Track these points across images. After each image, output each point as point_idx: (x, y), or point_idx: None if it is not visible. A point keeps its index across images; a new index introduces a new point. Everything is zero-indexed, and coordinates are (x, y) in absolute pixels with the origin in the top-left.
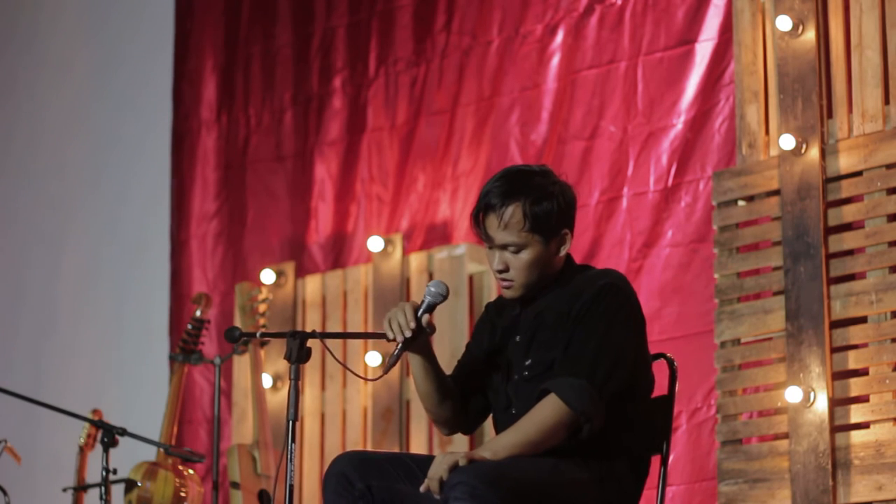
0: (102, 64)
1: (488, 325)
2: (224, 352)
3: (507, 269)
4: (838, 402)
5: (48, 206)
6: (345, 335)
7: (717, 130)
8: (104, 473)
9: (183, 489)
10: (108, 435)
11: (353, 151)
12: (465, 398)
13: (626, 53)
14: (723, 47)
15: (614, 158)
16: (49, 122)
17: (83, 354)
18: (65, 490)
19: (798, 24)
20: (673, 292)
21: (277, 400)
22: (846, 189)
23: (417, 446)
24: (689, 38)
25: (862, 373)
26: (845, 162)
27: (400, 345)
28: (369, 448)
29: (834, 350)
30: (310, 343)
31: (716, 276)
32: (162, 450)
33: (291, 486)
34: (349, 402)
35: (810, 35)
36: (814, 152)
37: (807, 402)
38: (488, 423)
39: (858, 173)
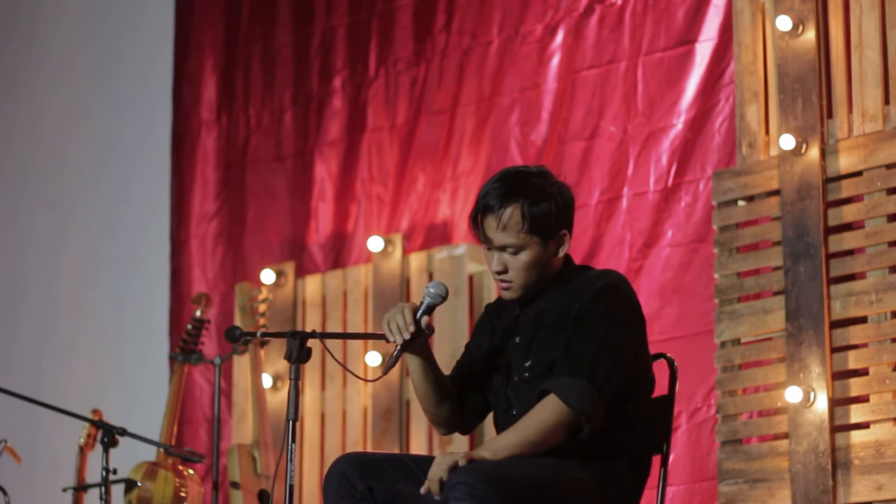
0: (102, 64)
1: (488, 327)
2: (224, 352)
3: (505, 271)
4: (838, 402)
5: (48, 207)
6: (345, 335)
7: (717, 130)
8: (104, 473)
9: (183, 489)
10: (108, 435)
11: (353, 151)
12: (463, 399)
13: (627, 53)
14: (723, 47)
15: (614, 158)
16: (49, 122)
17: (83, 354)
18: (65, 490)
19: (798, 24)
20: (673, 292)
21: (277, 400)
22: (846, 189)
23: (417, 446)
24: (689, 38)
25: (862, 373)
26: (845, 162)
27: (399, 346)
28: (369, 448)
29: (834, 350)
30: (310, 343)
31: (716, 276)
32: (162, 450)
33: (291, 486)
34: (349, 402)
35: (810, 35)
36: (814, 152)
37: (807, 402)
38: (488, 423)
39: (858, 173)
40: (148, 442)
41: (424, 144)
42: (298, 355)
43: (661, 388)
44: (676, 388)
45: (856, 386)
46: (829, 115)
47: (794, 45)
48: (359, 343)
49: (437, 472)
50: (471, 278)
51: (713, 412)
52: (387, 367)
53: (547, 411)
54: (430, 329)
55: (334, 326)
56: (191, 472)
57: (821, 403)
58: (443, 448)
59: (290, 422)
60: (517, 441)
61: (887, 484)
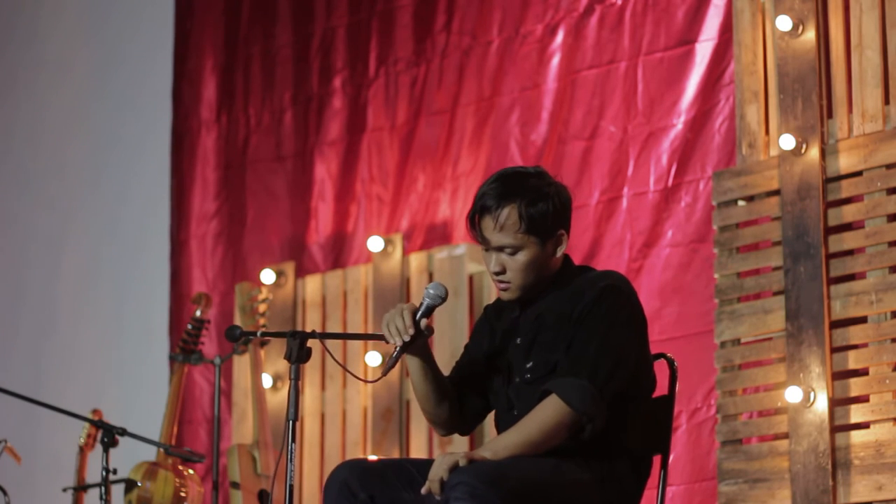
0: (102, 64)
1: (487, 328)
2: (224, 352)
3: (503, 271)
4: (838, 402)
5: (48, 207)
6: (345, 336)
7: (717, 130)
8: (104, 473)
9: (183, 489)
10: (108, 435)
11: (353, 151)
12: (462, 400)
13: (627, 53)
14: (723, 47)
15: (614, 158)
16: (49, 122)
17: (83, 354)
18: (65, 490)
19: (798, 24)
20: (673, 292)
21: (277, 400)
22: (846, 189)
23: (417, 446)
24: (689, 38)
25: (862, 373)
26: (845, 162)
27: (398, 347)
28: (369, 448)
29: (834, 350)
30: (310, 343)
31: (716, 276)
32: (162, 450)
33: (291, 486)
34: (349, 402)
35: (810, 35)
36: (814, 152)
37: (807, 402)
38: (488, 423)
39: (858, 173)
40: (148, 442)
41: (424, 144)
42: (298, 355)
43: (661, 388)
44: (676, 388)
45: (856, 386)
46: (829, 115)
47: (794, 45)
48: (359, 343)
49: (438, 472)
50: (471, 278)
51: (713, 412)
52: (386, 367)
53: (548, 411)
54: (430, 330)
55: (334, 326)
56: (191, 472)
57: (821, 403)
58: (443, 448)
59: (290, 422)
60: (518, 441)
61: (887, 484)
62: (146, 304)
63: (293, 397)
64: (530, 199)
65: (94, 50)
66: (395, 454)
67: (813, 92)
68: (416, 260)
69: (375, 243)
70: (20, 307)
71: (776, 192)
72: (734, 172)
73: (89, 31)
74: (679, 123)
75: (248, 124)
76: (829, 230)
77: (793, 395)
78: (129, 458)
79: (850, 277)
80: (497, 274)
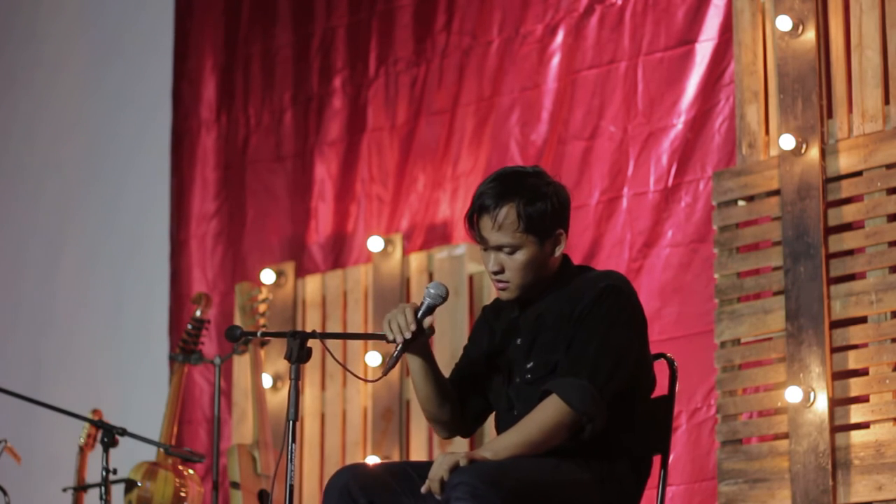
0: (101, 63)
1: (486, 328)
2: (224, 352)
3: (502, 271)
4: (838, 402)
5: (47, 207)
6: (345, 336)
7: (717, 130)
8: (104, 473)
9: (183, 489)
10: (108, 435)
11: (353, 151)
12: (463, 401)
13: (627, 53)
14: (723, 47)
15: (614, 158)
16: (47, 122)
17: (83, 354)
18: (65, 490)
19: (798, 24)
20: (673, 292)
21: (277, 400)
22: (846, 189)
23: (417, 446)
24: (689, 38)
25: (862, 373)
26: (845, 162)
27: (399, 346)
28: (369, 448)
29: (834, 350)
30: (310, 343)
31: (716, 276)
32: (162, 450)
33: (291, 486)
34: (349, 402)
35: (810, 35)
36: (814, 152)
37: (807, 402)
38: (488, 423)
39: (858, 173)
40: (148, 442)
41: (424, 144)
42: (299, 355)
43: (661, 388)
44: (676, 388)
45: (856, 386)
46: (829, 115)
47: (794, 45)
48: (359, 343)
49: (438, 471)
50: (471, 278)
51: (713, 412)
52: (387, 367)
53: (549, 411)
54: (432, 329)
55: (334, 326)
56: (191, 472)
57: (821, 403)
58: (443, 448)
59: (291, 422)
60: (518, 441)
61: (887, 484)
62: (146, 304)
63: (293, 397)
64: (529, 198)
65: (93, 49)
66: (395, 454)
67: (813, 92)
68: (416, 260)
69: (375, 243)
70: (20, 307)
71: (776, 192)
72: (734, 172)
73: (88, 30)
74: (679, 123)
75: (248, 124)
76: (829, 230)
77: (793, 395)
78: (129, 458)
79: (850, 277)
80: (495, 273)
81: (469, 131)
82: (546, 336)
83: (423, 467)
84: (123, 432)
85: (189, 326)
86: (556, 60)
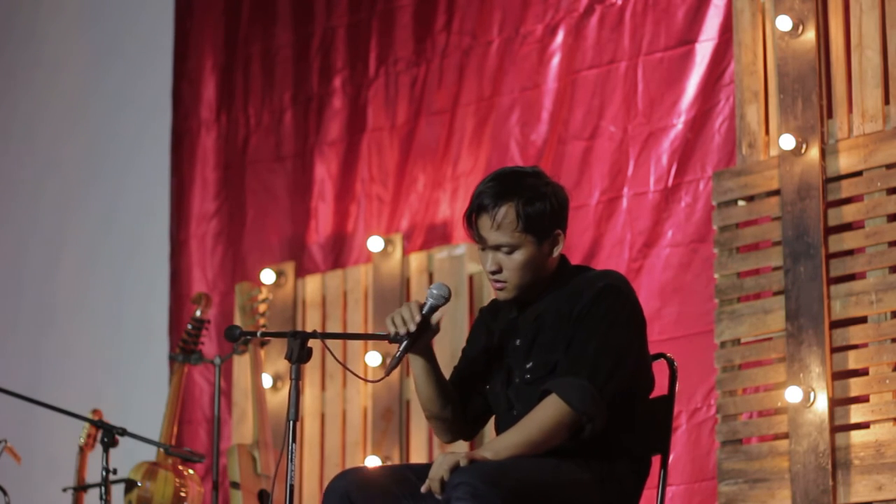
0: (101, 63)
1: (483, 330)
2: (224, 352)
3: (500, 270)
4: (838, 402)
5: (46, 207)
6: (346, 336)
7: (717, 130)
8: (104, 473)
9: (183, 489)
10: (108, 435)
11: (353, 151)
12: (463, 403)
13: (627, 53)
14: (723, 47)
15: (614, 158)
16: (47, 122)
17: (83, 354)
18: (65, 490)
19: (798, 24)
20: (673, 292)
21: (277, 400)
22: (846, 189)
23: (417, 446)
24: (689, 38)
25: (862, 373)
26: (845, 162)
27: (403, 345)
28: (369, 448)
29: (834, 350)
30: (310, 343)
31: (716, 276)
32: (162, 450)
33: (292, 486)
34: (349, 402)
35: (810, 35)
36: (814, 152)
37: (807, 402)
38: (489, 425)
39: (858, 173)
40: (148, 442)
41: (424, 144)
42: (299, 355)
43: (661, 388)
44: (676, 388)
45: (856, 386)
46: (829, 115)
47: (794, 45)
48: (359, 343)
49: (439, 471)
50: (471, 278)
51: (713, 412)
52: (390, 366)
53: (549, 411)
54: (437, 327)
55: (334, 326)
56: (191, 472)
57: (821, 403)
58: (443, 448)
59: (291, 422)
60: (518, 441)
61: (887, 484)
62: (146, 304)
63: (294, 397)
64: (528, 198)
65: (93, 49)
66: (395, 454)
67: (813, 92)
68: (416, 260)
69: (375, 243)
70: (20, 307)
71: (776, 192)
72: (734, 172)
73: (88, 30)
74: (679, 123)
75: (248, 124)
76: (829, 230)
77: (793, 395)
78: (129, 458)
79: (850, 277)
80: (493, 273)
81: (469, 131)
82: (545, 336)
83: (423, 469)
84: (123, 432)
85: (189, 326)
86: (556, 60)
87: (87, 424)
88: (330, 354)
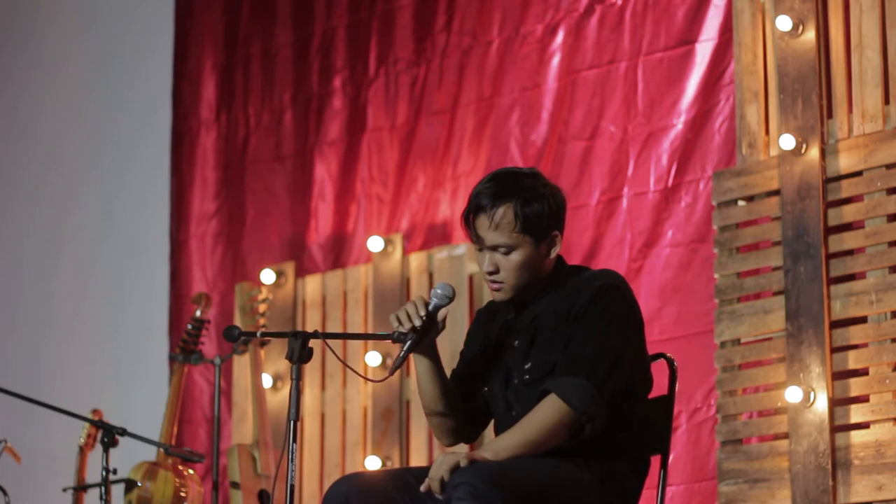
0: (101, 63)
1: (481, 331)
2: (224, 352)
3: (497, 271)
4: (838, 402)
5: (46, 207)
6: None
7: (717, 130)
8: (104, 473)
9: (183, 489)
10: (108, 435)
11: (353, 151)
12: (464, 404)
13: (627, 53)
14: (723, 47)
15: (614, 158)
16: (46, 122)
17: (83, 354)
18: (65, 490)
19: (798, 24)
20: (673, 292)
21: (277, 400)
22: (846, 189)
23: (417, 446)
24: (689, 38)
25: (862, 373)
26: (845, 162)
27: (407, 343)
28: (369, 448)
29: (834, 350)
30: (310, 343)
31: (716, 276)
32: (162, 450)
33: (292, 486)
34: (349, 402)
35: (810, 35)
36: (814, 152)
37: (807, 402)
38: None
39: (858, 173)
40: (148, 442)
41: (424, 144)
42: (300, 355)
43: (661, 388)
44: (676, 388)
45: (856, 386)
46: (829, 115)
47: (794, 45)
48: (359, 343)
49: (439, 471)
50: (471, 278)
51: (713, 412)
52: (394, 366)
53: (548, 411)
54: (443, 324)
55: (334, 326)
56: (191, 472)
57: (821, 403)
58: (443, 448)
59: (292, 421)
60: (518, 441)
61: (887, 484)
62: (146, 304)
63: (294, 397)
64: (526, 198)
65: (93, 49)
66: (395, 454)
67: (813, 92)
68: (416, 260)
69: (375, 243)
70: (20, 307)
71: (776, 192)
72: (734, 172)
73: (87, 29)
74: (679, 123)
75: (248, 124)
76: (829, 230)
77: (793, 395)
78: (129, 458)
79: (850, 277)
80: (490, 274)
81: (469, 131)
82: (543, 336)
83: (422, 473)
84: (123, 432)
85: (189, 326)
86: (556, 60)
87: (87, 424)
88: (332, 354)
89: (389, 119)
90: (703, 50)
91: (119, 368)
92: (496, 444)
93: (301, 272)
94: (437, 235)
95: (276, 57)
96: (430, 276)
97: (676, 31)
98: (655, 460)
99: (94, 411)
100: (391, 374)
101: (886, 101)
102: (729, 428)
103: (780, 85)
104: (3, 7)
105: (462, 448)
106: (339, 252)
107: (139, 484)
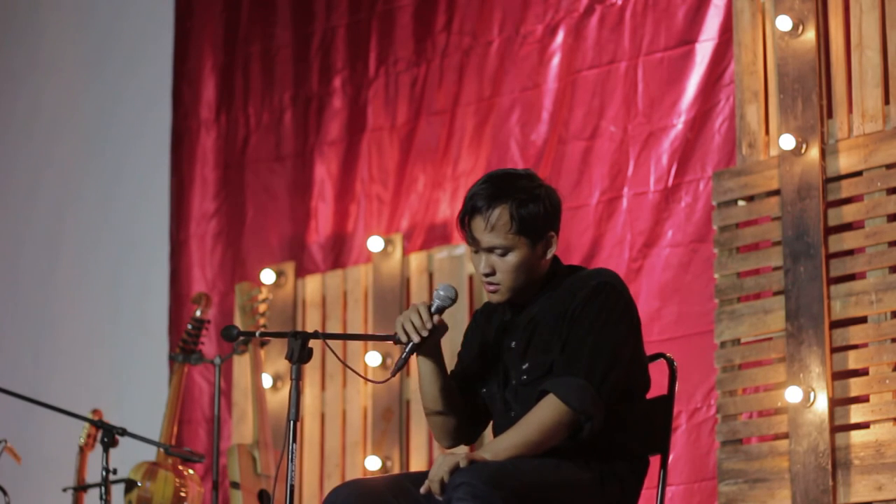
0: (101, 63)
1: (478, 333)
2: (224, 352)
3: (493, 273)
4: (838, 402)
5: (45, 207)
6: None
7: (717, 130)
8: (104, 473)
9: (183, 489)
10: (108, 435)
11: (353, 151)
12: (465, 405)
13: (627, 53)
14: (723, 47)
15: (614, 158)
16: (46, 122)
17: (82, 354)
18: (65, 490)
19: (798, 24)
20: (673, 292)
21: (277, 400)
22: (846, 189)
23: (417, 446)
24: (689, 38)
25: (862, 373)
26: (845, 162)
27: (409, 346)
28: (369, 448)
29: (834, 350)
30: (310, 343)
31: (716, 276)
32: (162, 450)
33: (292, 487)
34: (349, 402)
35: (810, 35)
36: (814, 152)
37: (807, 402)
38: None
39: (858, 173)
40: (148, 442)
41: (424, 144)
42: (300, 356)
43: (660, 388)
44: (676, 388)
45: (856, 386)
46: (829, 115)
47: (794, 45)
48: (359, 343)
49: (439, 472)
50: (471, 278)
51: (713, 412)
52: (396, 367)
53: (547, 411)
54: (446, 326)
55: (334, 326)
56: (191, 472)
57: (821, 403)
58: (443, 449)
59: (292, 421)
60: (518, 442)
61: (887, 484)
62: (146, 304)
63: (294, 397)
64: (521, 199)
65: (92, 48)
66: (395, 454)
67: (813, 92)
68: (416, 260)
69: (375, 243)
70: (19, 307)
71: (776, 192)
72: (734, 172)
73: (87, 29)
74: (679, 123)
75: (248, 124)
76: (829, 230)
77: (793, 395)
78: (129, 458)
79: (850, 277)
80: (486, 275)
81: (469, 131)
82: (540, 337)
83: (421, 478)
84: (123, 432)
85: (189, 326)
86: (556, 60)
87: (87, 424)
88: (332, 354)
89: (389, 119)
90: (704, 50)
91: (119, 368)
92: (495, 445)
93: (301, 272)
94: (437, 235)
95: (275, 57)
96: (430, 276)
97: (676, 31)
98: (655, 460)
99: (94, 411)
100: (392, 375)
101: (886, 101)
102: (729, 428)
103: (780, 85)
104: (1, 6)
105: (462, 449)
106: (339, 252)
107: (139, 484)
